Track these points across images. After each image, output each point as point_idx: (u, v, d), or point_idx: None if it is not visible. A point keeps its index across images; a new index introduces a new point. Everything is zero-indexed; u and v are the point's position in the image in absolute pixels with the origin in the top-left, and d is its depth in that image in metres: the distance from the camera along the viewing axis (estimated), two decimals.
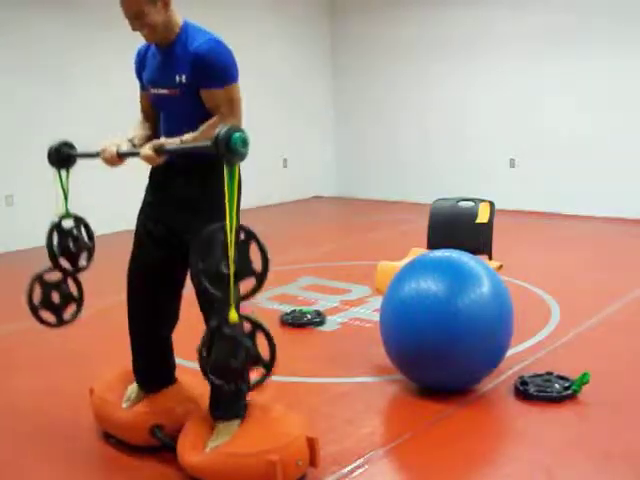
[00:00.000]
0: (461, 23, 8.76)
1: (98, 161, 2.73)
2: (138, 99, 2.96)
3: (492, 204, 4.36)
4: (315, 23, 9.94)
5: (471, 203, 4.42)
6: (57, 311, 2.99)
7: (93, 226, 3.02)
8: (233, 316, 2.28)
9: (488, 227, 4.30)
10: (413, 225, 7.15)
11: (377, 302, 4.25)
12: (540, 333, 4.23)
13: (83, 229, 3.00)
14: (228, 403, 2.75)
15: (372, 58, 9.66)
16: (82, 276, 3.01)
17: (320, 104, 10.12)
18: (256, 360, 2.35)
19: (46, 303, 2.95)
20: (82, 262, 2.99)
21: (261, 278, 2.28)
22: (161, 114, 2.83)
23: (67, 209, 2.94)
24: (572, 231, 7.48)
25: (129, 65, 2.98)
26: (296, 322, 4.53)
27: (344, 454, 2.88)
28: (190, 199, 2.73)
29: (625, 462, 2.78)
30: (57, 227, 2.92)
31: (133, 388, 3.02)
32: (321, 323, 4.54)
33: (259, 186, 8.99)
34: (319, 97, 10.11)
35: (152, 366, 3.01)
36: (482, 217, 4.31)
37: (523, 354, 3.87)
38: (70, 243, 2.96)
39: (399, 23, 9.30)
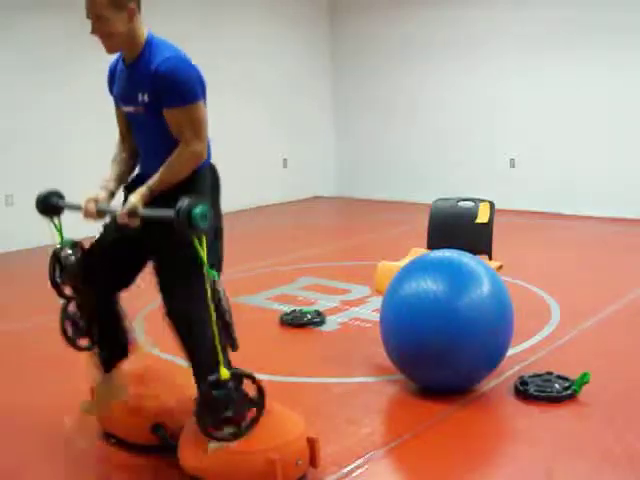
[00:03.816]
0: (461, 24, 8.76)
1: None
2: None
3: (492, 204, 4.36)
4: (315, 24, 9.94)
5: (471, 203, 4.42)
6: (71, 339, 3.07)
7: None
8: (224, 373, 2.49)
9: (488, 227, 4.30)
10: (413, 225, 7.14)
11: (377, 302, 4.25)
12: (540, 333, 4.23)
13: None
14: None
15: (371, 58, 9.65)
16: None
17: (320, 104, 10.11)
18: (248, 404, 2.57)
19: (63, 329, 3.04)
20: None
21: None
22: (135, 131, 2.78)
23: (63, 241, 2.88)
24: (572, 231, 7.48)
25: None
26: (296, 322, 4.53)
27: (344, 454, 2.88)
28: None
29: (625, 462, 2.78)
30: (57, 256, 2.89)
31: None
32: (321, 323, 4.54)
33: (259, 186, 9.00)
34: (319, 97, 10.10)
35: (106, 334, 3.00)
36: (482, 217, 4.31)
37: (523, 354, 3.87)
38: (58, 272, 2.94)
39: (398, 24, 9.29)
